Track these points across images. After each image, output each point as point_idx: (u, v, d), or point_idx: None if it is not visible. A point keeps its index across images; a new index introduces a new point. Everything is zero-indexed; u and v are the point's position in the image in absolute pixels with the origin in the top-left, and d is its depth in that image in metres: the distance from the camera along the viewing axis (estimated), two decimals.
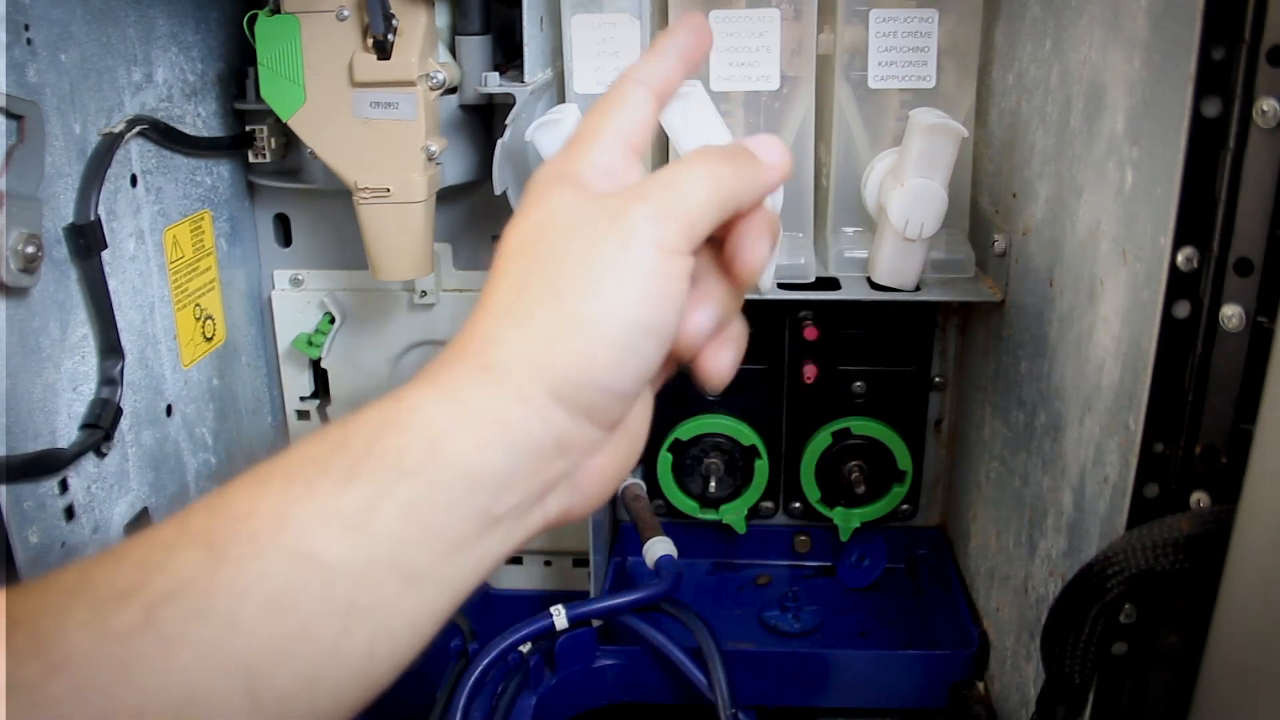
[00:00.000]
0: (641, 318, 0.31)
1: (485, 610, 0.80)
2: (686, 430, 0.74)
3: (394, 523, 0.28)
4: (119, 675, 0.25)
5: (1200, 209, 0.37)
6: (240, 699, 0.26)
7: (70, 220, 0.55)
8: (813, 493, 0.75)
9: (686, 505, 0.76)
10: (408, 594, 0.29)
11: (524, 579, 0.84)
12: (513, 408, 0.30)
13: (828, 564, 0.78)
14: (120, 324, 0.59)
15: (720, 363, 0.35)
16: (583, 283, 0.31)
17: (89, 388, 0.57)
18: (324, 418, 0.80)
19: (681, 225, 0.32)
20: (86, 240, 0.55)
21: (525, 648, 0.64)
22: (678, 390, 0.73)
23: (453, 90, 0.65)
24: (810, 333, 0.70)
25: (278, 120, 0.64)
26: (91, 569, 0.27)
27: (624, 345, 0.31)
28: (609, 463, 0.34)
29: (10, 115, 0.50)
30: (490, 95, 0.64)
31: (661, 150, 0.64)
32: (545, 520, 0.32)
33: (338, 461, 0.29)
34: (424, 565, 0.29)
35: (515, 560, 0.83)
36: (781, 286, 0.63)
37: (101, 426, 0.56)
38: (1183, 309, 0.38)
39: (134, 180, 0.61)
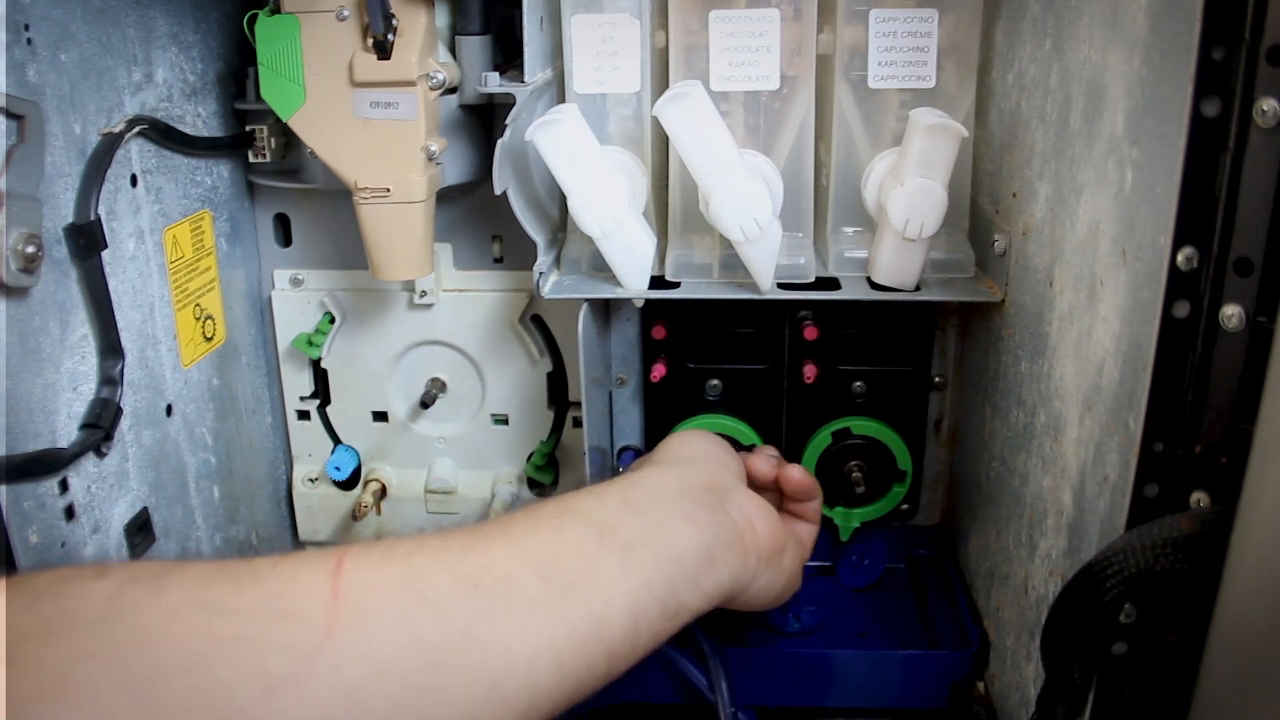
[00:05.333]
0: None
1: None
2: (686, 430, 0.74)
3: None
4: None
5: (1200, 209, 0.37)
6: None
7: (70, 220, 0.55)
8: None
9: None
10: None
11: None
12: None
13: (827, 564, 0.78)
14: (120, 324, 0.59)
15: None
16: None
17: (89, 388, 0.57)
18: (324, 418, 0.80)
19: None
20: (86, 240, 0.55)
21: None
22: (678, 390, 0.73)
23: (453, 90, 0.65)
24: (810, 333, 0.70)
25: (278, 120, 0.64)
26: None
27: None
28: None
29: (10, 115, 0.50)
30: (490, 95, 0.64)
31: (662, 148, 0.64)
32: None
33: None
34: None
35: None
36: (781, 286, 0.63)
37: (101, 426, 0.56)
38: (1183, 309, 0.38)
39: (134, 180, 0.61)
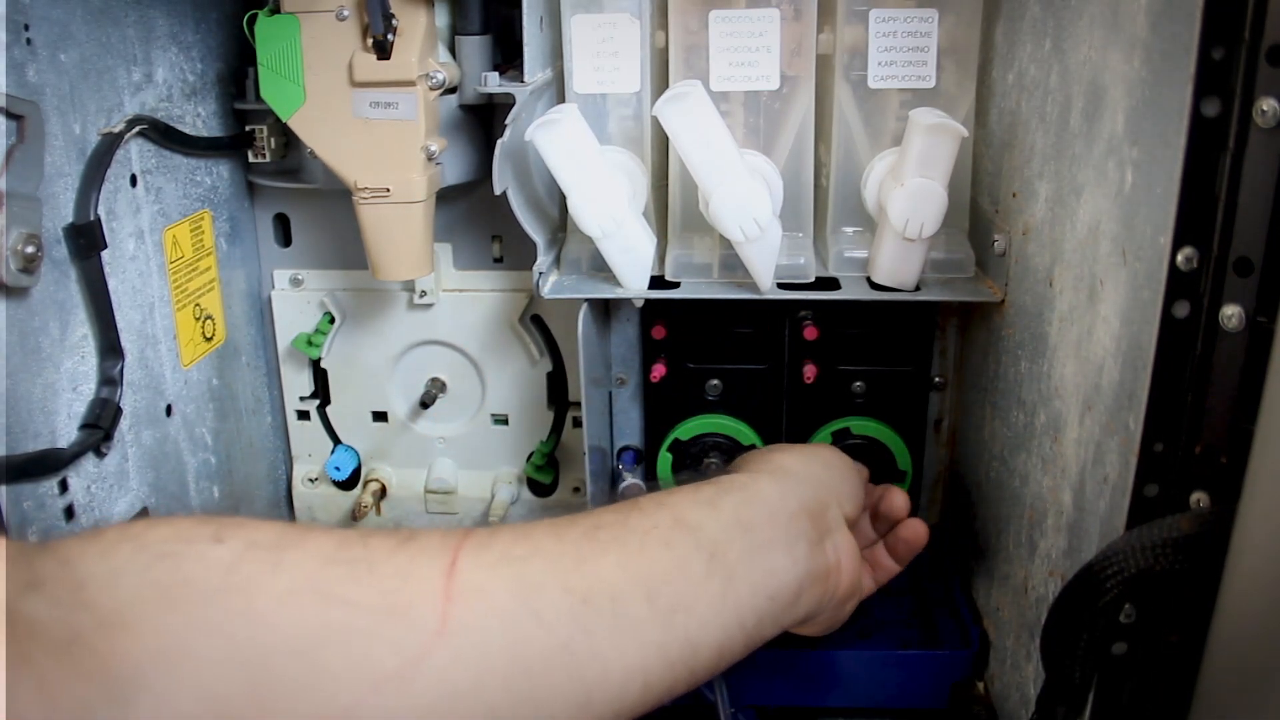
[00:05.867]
0: None
1: None
2: (686, 430, 0.74)
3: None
4: None
5: (1200, 209, 0.37)
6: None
7: (70, 220, 0.55)
8: None
9: None
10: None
11: None
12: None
13: None
14: (120, 324, 0.59)
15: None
16: None
17: (89, 388, 0.57)
18: (324, 418, 0.80)
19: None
20: (86, 240, 0.55)
21: None
22: (678, 390, 0.73)
23: (453, 90, 0.65)
24: (810, 333, 0.70)
25: (278, 120, 0.64)
26: None
27: None
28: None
29: (10, 115, 0.50)
30: (490, 95, 0.64)
31: (662, 148, 0.64)
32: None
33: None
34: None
35: None
36: (781, 286, 0.63)
37: (101, 426, 0.56)
38: (1182, 309, 0.38)
39: (134, 180, 0.61)
